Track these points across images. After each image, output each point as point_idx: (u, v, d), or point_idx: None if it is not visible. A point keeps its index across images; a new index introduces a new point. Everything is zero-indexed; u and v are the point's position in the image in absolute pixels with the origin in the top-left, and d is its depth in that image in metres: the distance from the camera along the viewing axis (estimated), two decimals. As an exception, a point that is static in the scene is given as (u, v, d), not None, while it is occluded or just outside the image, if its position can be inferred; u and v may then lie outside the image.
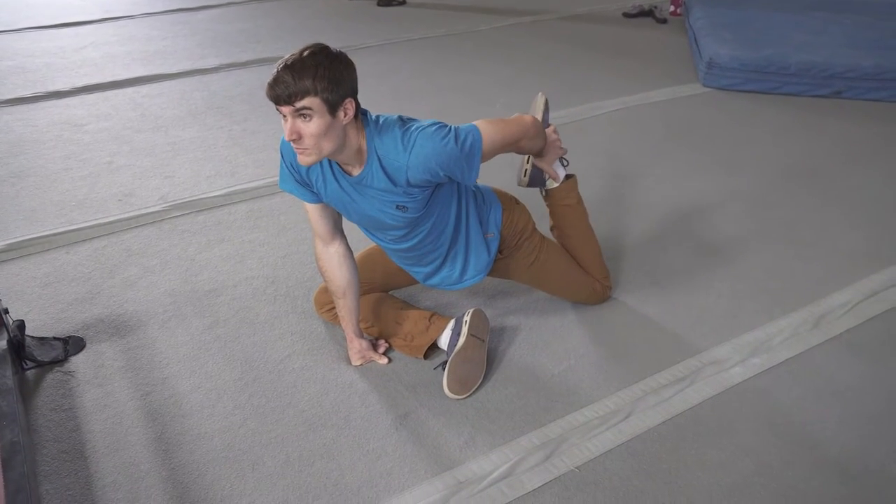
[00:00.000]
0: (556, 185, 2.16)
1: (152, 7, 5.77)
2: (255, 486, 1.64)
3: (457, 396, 1.88)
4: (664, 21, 5.40)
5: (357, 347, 2.00)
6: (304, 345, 2.08)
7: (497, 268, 2.06)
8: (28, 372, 1.96)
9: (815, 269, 2.43)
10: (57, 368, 1.98)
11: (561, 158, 2.14)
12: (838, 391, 1.92)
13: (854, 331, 2.14)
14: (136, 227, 2.66)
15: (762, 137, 3.44)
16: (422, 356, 2.00)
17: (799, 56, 3.89)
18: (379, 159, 1.65)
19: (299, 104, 1.52)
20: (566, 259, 2.17)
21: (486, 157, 1.73)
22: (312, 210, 1.85)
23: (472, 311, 1.97)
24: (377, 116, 1.69)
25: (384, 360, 2.00)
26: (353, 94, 1.59)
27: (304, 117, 1.53)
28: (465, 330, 1.93)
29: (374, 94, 3.88)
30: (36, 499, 1.54)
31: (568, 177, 2.18)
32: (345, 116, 1.57)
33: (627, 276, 2.39)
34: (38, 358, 1.97)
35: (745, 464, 1.70)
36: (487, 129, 1.71)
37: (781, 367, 2.00)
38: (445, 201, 1.84)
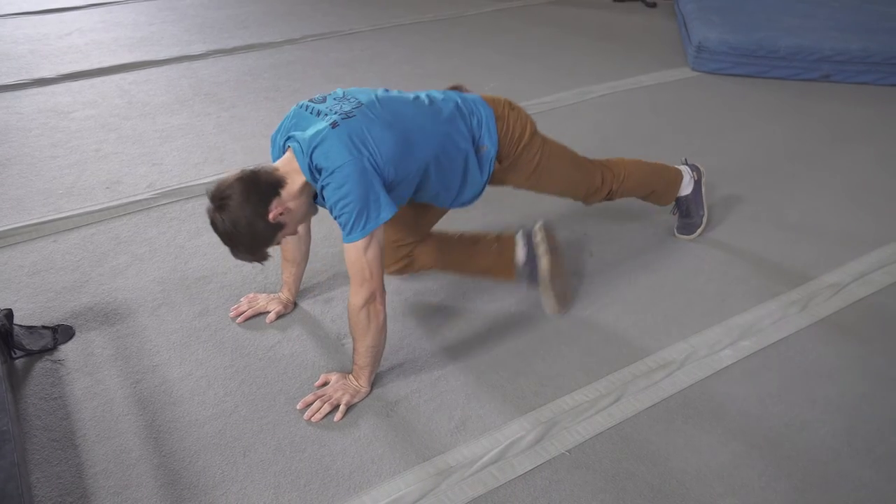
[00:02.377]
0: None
1: (138, -7, 5.71)
2: (247, 472, 1.64)
3: (561, 311, 1.98)
4: (653, 5, 5.39)
5: (278, 298, 2.14)
6: (294, 331, 2.08)
7: (496, 178, 2.00)
8: (17, 361, 1.95)
9: (804, 251, 2.44)
10: (46, 357, 1.97)
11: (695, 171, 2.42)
12: (826, 373, 1.93)
13: (842, 313, 2.15)
14: (125, 214, 2.64)
15: (751, 121, 3.44)
16: (514, 278, 2.10)
17: (788, 40, 3.89)
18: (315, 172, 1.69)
19: None
20: (568, 161, 2.12)
21: (352, 255, 1.69)
22: None
23: (538, 226, 2.01)
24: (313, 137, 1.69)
25: (271, 318, 2.10)
26: (271, 199, 1.66)
27: None
28: (542, 249, 2.00)
29: (362, 80, 3.86)
30: (27, 487, 1.54)
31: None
32: (279, 214, 1.68)
33: (617, 259, 2.39)
34: (27, 347, 1.96)
35: (734, 445, 1.71)
36: (369, 245, 1.68)
37: (770, 349, 2.01)
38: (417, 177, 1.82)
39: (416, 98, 1.87)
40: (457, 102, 1.90)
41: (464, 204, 2.00)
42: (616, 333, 2.07)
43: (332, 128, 1.66)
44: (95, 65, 4.11)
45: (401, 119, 1.76)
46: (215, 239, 2.45)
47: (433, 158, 1.82)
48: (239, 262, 2.33)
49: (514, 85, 3.82)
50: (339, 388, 1.82)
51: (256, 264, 2.33)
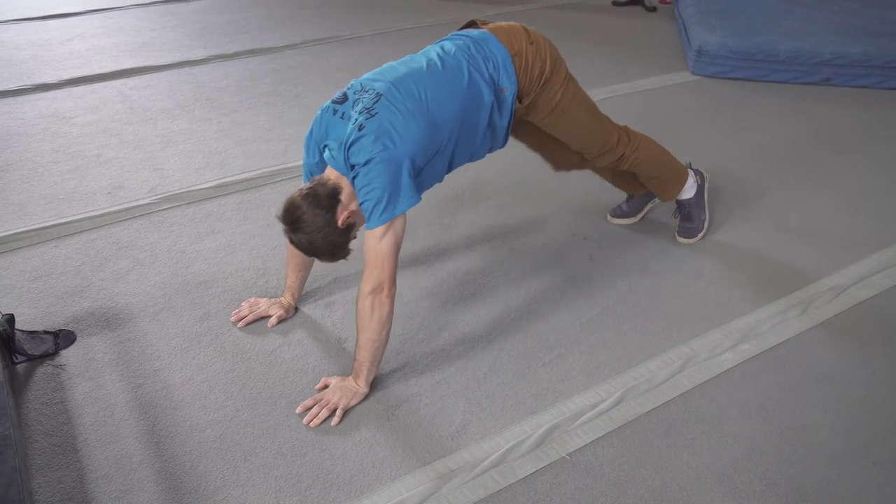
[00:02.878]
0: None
1: (139, -2, 5.72)
2: (248, 476, 1.65)
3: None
4: (653, 9, 5.39)
5: (280, 302, 2.15)
6: (295, 335, 2.08)
7: (517, 116, 2.01)
8: (18, 366, 1.95)
9: (804, 255, 2.44)
10: (47, 362, 1.98)
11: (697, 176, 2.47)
12: (826, 376, 1.93)
13: (842, 316, 2.15)
14: (126, 219, 2.65)
15: (751, 124, 3.45)
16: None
17: (788, 43, 3.89)
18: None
19: None
20: (589, 108, 2.14)
21: (369, 243, 1.75)
22: None
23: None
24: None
25: (272, 323, 2.12)
26: (335, 207, 1.76)
27: None
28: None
29: (363, 85, 3.87)
30: (28, 492, 1.54)
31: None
32: (346, 218, 1.77)
33: (617, 262, 2.39)
34: (29, 352, 1.96)
35: (734, 449, 1.71)
36: (386, 234, 1.74)
37: (770, 352, 2.01)
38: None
39: (430, 64, 1.85)
40: (469, 50, 1.88)
41: (496, 149, 2.04)
42: (616, 337, 2.07)
43: (360, 130, 1.71)
44: (97, 70, 4.12)
45: (421, 102, 1.78)
46: (216, 244, 2.49)
47: (458, 126, 1.85)
48: (240, 267, 2.36)
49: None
50: (337, 392, 1.82)
51: (256, 266, 2.36)
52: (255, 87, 3.90)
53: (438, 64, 1.85)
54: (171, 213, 2.69)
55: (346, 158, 1.74)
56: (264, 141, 3.26)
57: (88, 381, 1.91)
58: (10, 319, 1.97)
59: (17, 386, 1.90)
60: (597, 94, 3.73)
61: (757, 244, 2.50)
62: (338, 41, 4.58)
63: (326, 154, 1.82)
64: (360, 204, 1.74)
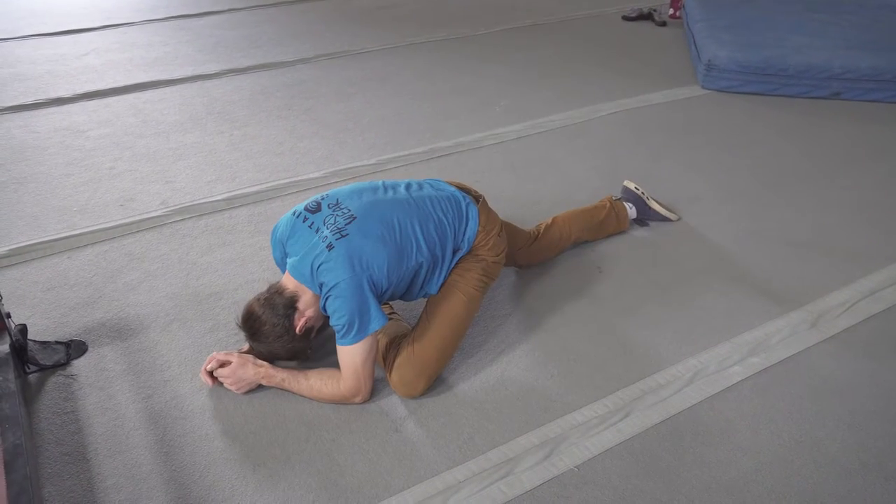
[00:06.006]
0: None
1: (154, 14, 5.78)
2: (257, 486, 1.65)
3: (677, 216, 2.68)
4: (663, 24, 5.40)
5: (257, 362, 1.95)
6: (305, 347, 2.09)
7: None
8: (31, 376, 1.97)
9: (814, 268, 2.43)
10: (59, 372, 1.99)
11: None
12: (836, 390, 1.92)
13: (852, 330, 2.14)
14: (138, 231, 2.67)
15: (761, 139, 3.44)
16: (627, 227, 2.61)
17: (797, 58, 3.89)
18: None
19: None
20: (461, 318, 1.98)
21: (344, 356, 1.80)
22: None
23: (629, 186, 2.69)
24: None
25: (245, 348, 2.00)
26: (292, 316, 1.82)
27: None
28: (640, 191, 2.66)
29: (374, 99, 3.90)
30: (38, 501, 1.55)
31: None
32: (304, 324, 1.83)
33: (625, 275, 2.39)
34: (41, 362, 1.98)
35: (743, 462, 1.71)
36: (359, 352, 1.79)
37: (780, 366, 2.01)
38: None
39: (406, 198, 1.94)
40: (441, 204, 1.96)
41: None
42: (625, 349, 2.07)
43: (329, 250, 1.78)
44: (111, 84, 4.17)
45: (392, 231, 1.84)
46: (227, 256, 2.51)
47: (425, 260, 1.90)
48: (250, 279, 2.38)
49: (524, 103, 3.85)
50: (238, 380, 1.88)
51: (267, 278, 2.36)
52: (266, 100, 3.94)
53: (413, 198, 1.94)
54: (183, 225, 2.72)
55: (314, 275, 1.79)
56: (275, 154, 3.29)
57: (99, 391, 1.93)
58: (23, 330, 1.99)
59: (29, 395, 1.91)
60: (606, 108, 3.76)
61: (766, 257, 2.50)
62: (349, 56, 4.61)
63: (289, 261, 1.86)
64: (332, 325, 1.79)
